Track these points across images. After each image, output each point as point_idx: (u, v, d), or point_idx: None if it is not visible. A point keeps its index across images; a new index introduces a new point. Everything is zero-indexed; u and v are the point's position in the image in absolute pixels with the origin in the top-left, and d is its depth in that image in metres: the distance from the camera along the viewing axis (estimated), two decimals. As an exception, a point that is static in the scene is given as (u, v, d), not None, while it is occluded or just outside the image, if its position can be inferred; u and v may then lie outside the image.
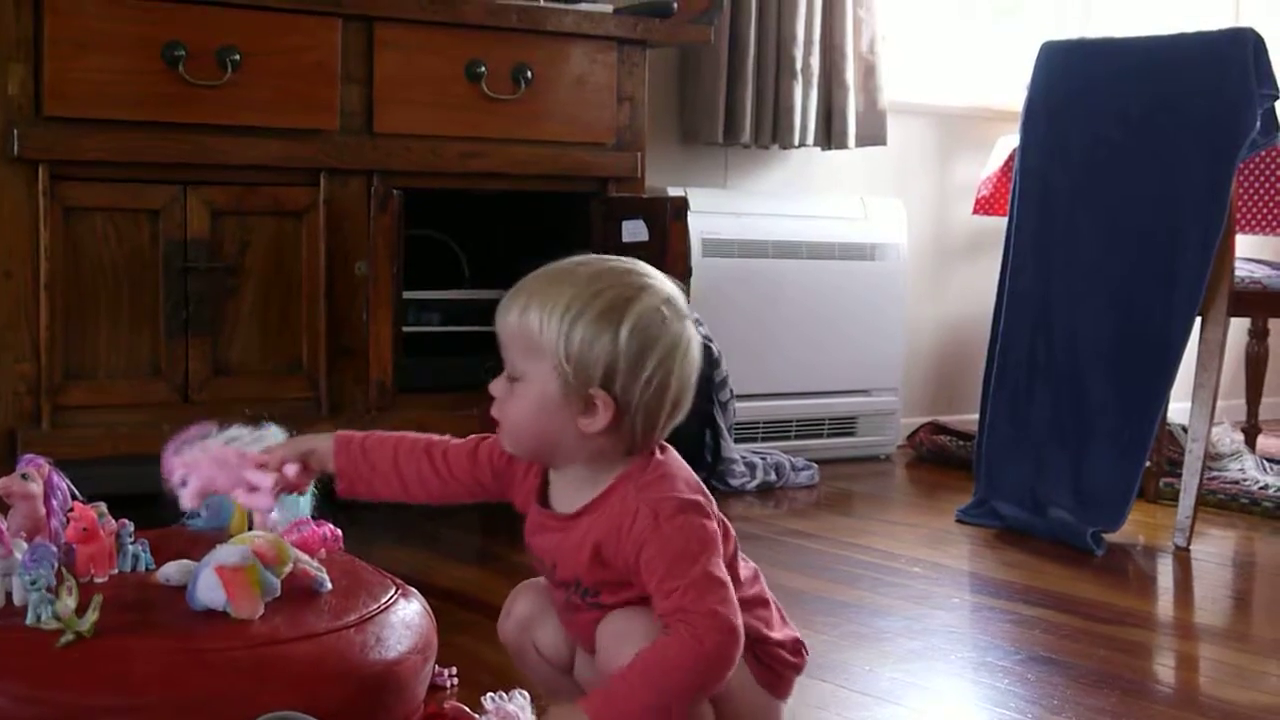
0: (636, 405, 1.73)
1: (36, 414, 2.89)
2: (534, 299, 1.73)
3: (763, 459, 4.17)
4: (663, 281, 1.78)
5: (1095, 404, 3.61)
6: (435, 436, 1.94)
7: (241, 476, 1.90)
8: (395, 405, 3.17)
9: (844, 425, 4.60)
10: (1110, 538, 3.50)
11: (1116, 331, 3.59)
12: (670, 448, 1.84)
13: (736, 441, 4.20)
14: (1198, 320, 3.52)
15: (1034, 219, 3.77)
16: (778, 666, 1.89)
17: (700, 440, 4.01)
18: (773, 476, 4.14)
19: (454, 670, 2.34)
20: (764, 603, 1.89)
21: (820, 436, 4.55)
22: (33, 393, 2.89)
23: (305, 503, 2.22)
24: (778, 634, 1.89)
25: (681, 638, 1.67)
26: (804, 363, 4.46)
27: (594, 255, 1.80)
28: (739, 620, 1.69)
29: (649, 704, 1.66)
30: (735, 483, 4.05)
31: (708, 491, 1.81)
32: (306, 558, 1.95)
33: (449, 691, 2.30)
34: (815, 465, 4.27)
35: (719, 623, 1.67)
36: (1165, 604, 3.10)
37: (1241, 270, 3.61)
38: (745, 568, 1.89)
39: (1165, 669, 2.58)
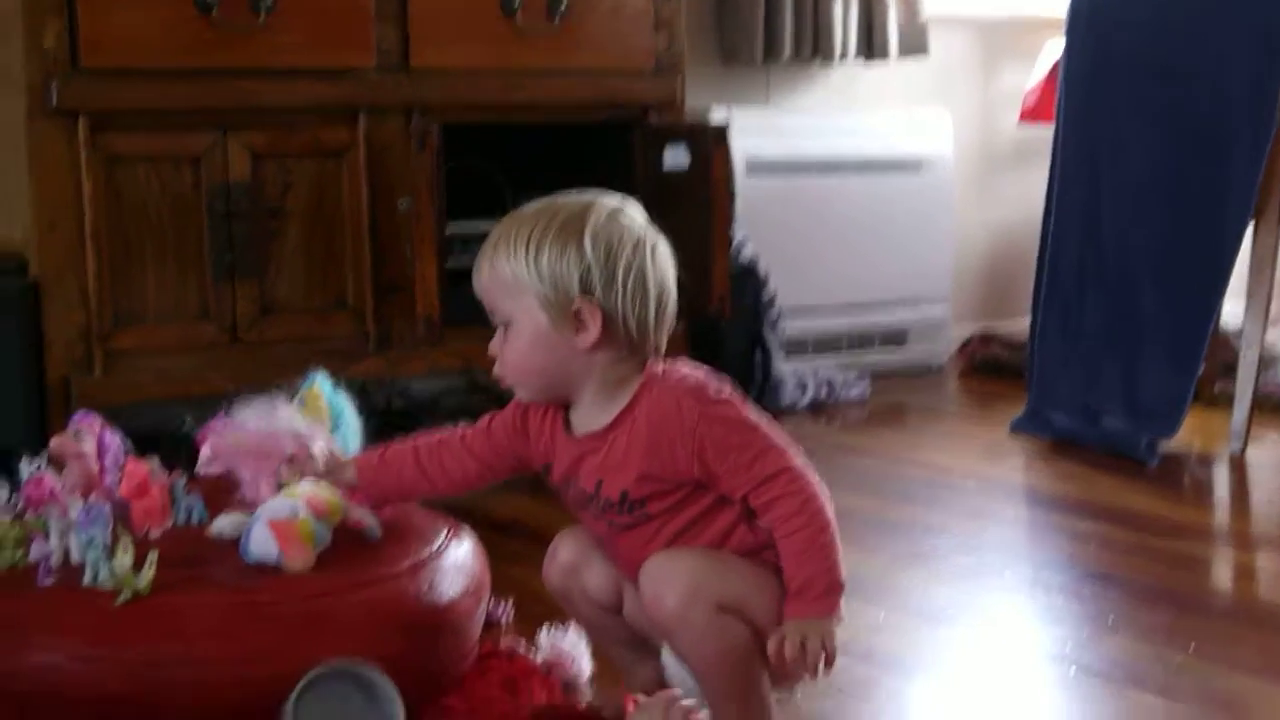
0: (623, 307, 1.75)
1: (89, 361, 2.92)
2: (498, 245, 1.78)
3: (813, 375, 4.17)
4: (612, 195, 1.82)
5: (1147, 312, 3.58)
6: (449, 430, 1.96)
7: (257, 467, 1.91)
8: (442, 339, 3.17)
9: (895, 337, 4.58)
10: (1164, 446, 3.48)
11: (1167, 239, 3.56)
12: (680, 358, 1.86)
13: (787, 358, 4.20)
14: (1250, 225, 3.48)
15: (1081, 127, 3.72)
16: None
17: (750, 359, 4.01)
18: (823, 393, 4.14)
19: (509, 604, 2.37)
20: None
21: (871, 350, 4.54)
22: (84, 340, 2.91)
23: (354, 437, 2.24)
24: None
25: (794, 503, 1.74)
26: (853, 277, 4.44)
27: (545, 197, 1.83)
28: (811, 478, 1.76)
29: (829, 564, 1.75)
30: (786, 401, 4.05)
31: (731, 383, 1.82)
32: (358, 507, 1.96)
33: (504, 625, 2.32)
34: (866, 379, 4.26)
35: (804, 474, 1.75)
36: (1221, 514, 3.10)
37: (1295, 173, 3.56)
38: None
39: (1222, 582, 2.59)
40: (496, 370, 1.83)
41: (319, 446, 1.91)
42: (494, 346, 1.82)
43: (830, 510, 1.76)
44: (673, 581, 1.76)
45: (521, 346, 1.79)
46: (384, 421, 3.79)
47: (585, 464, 1.83)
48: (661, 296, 1.79)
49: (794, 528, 1.74)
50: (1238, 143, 3.44)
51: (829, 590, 1.74)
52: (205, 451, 1.93)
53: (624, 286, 1.75)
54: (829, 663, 1.74)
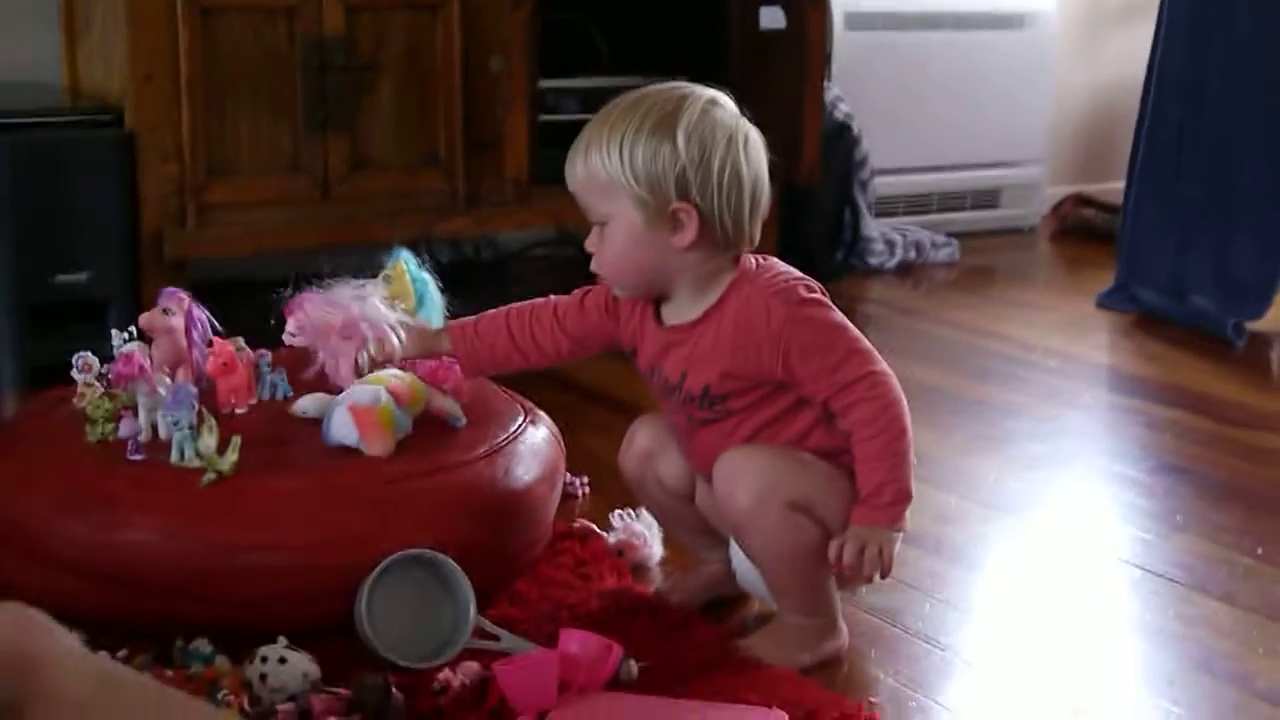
0: (718, 206, 1.77)
1: (181, 214, 2.96)
2: (590, 145, 1.79)
3: (902, 236, 4.15)
4: (704, 89, 1.82)
5: (1243, 190, 3.53)
6: (541, 300, 1.98)
7: (337, 347, 1.93)
8: (531, 197, 3.19)
9: (987, 198, 4.55)
10: (1252, 326, 3.46)
11: (1270, 116, 3.49)
12: (771, 257, 1.88)
13: (877, 217, 4.18)
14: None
15: (1187, -6, 3.65)
16: None
17: (839, 218, 4.01)
18: (912, 254, 4.13)
19: (585, 479, 2.41)
20: None
21: (963, 210, 4.51)
22: (178, 193, 2.95)
23: (438, 316, 2.27)
24: None
25: (873, 408, 1.77)
26: (948, 136, 4.40)
27: (637, 90, 1.83)
28: (892, 380, 1.79)
29: (900, 473, 1.79)
30: (874, 261, 4.05)
31: (821, 285, 1.84)
32: (441, 395, 2.00)
33: (580, 500, 2.37)
34: (955, 241, 4.25)
35: (886, 380, 1.78)
36: (1304, 403, 3.08)
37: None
38: None
39: (1296, 478, 2.58)
40: (594, 266, 1.85)
41: (396, 339, 1.94)
42: (591, 243, 1.84)
43: (908, 419, 1.79)
44: (746, 478, 1.79)
45: (618, 245, 1.81)
46: (473, 271, 3.84)
47: (671, 355, 1.86)
48: (756, 190, 1.81)
49: (871, 433, 1.77)
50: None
51: (896, 499, 1.78)
52: (291, 324, 1.96)
53: (719, 185, 1.77)
54: (885, 572, 1.78)
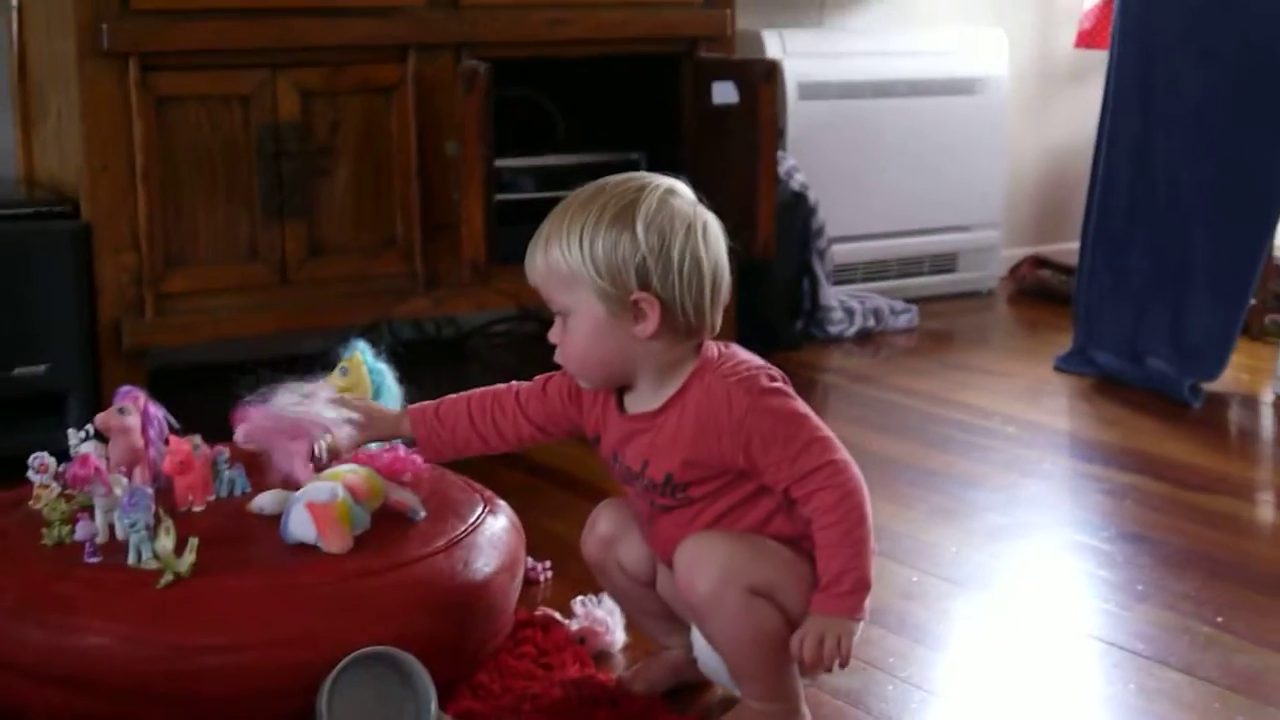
0: (679, 294, 1.78)
1: (140, 303, 2.96)
2: (550, 238, 1.79)
3: (861, 303, 4.17)
4: (660, 178, 1.83)
5: (1195, 252, 3.56)
6: (503, 386, 1.98)
7: (288, 448, 1.94)
8: (490, 277, 3.20)
9: (945, 262, 4.58)
10: (1209, 386, 3.49)
11: (1218, 178, 3.53)
12: (734, 344, 1.89)
13: (836, 284, 4.21)
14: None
15: (1134, 60, 3.68)
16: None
17: (798, 288, 4.03)
18: (871, 322, 4.15)
19: (548, 564, 2.41)
20: None
21: (921, 275, 4.54)
22: (135, 283, 2.95)
23: (395, 405, 2.27)
24: None
25: (833, 495, 1.77)
26: (904, 202, 4.43)
27: (594, 181, 1.84)
28: (854, 469, 1.79)
29: (860, 560, 1.78)
30: (834, 330, 4.07)
31: (783, 373, 1.85)
32: (399, 488, 2.00)
33: (543, 586, 2.37)
34: (914, 308, 4.27)
35: (847, 468, 1.78)
36: (1259, 466, 3.10)
37: (1349, 112, 3.52)
38: None
39: (1255, 544, 2.59)
40: (557, 358, 1.86)
41: (345, 434, 1.95)
42: (553, 334, 1.85)
43: (868, 506, 1.79)
44: (706, 564, 1.80)
45: (581, 338, 1.81)
46: (434, 348, 3.85)
47: (633, 443, 1.87)
48: (716, 278, 1.82)
49: (831, 520, 1.78)
50: (1293, 79, 3.41)
51: (855, 588, 1.78)
52: (239, 434, 1.97)
53: (680, 273, 1.78)
54: (844, 663, 1.79)
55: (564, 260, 1.78)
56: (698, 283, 1.79)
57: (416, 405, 2.01)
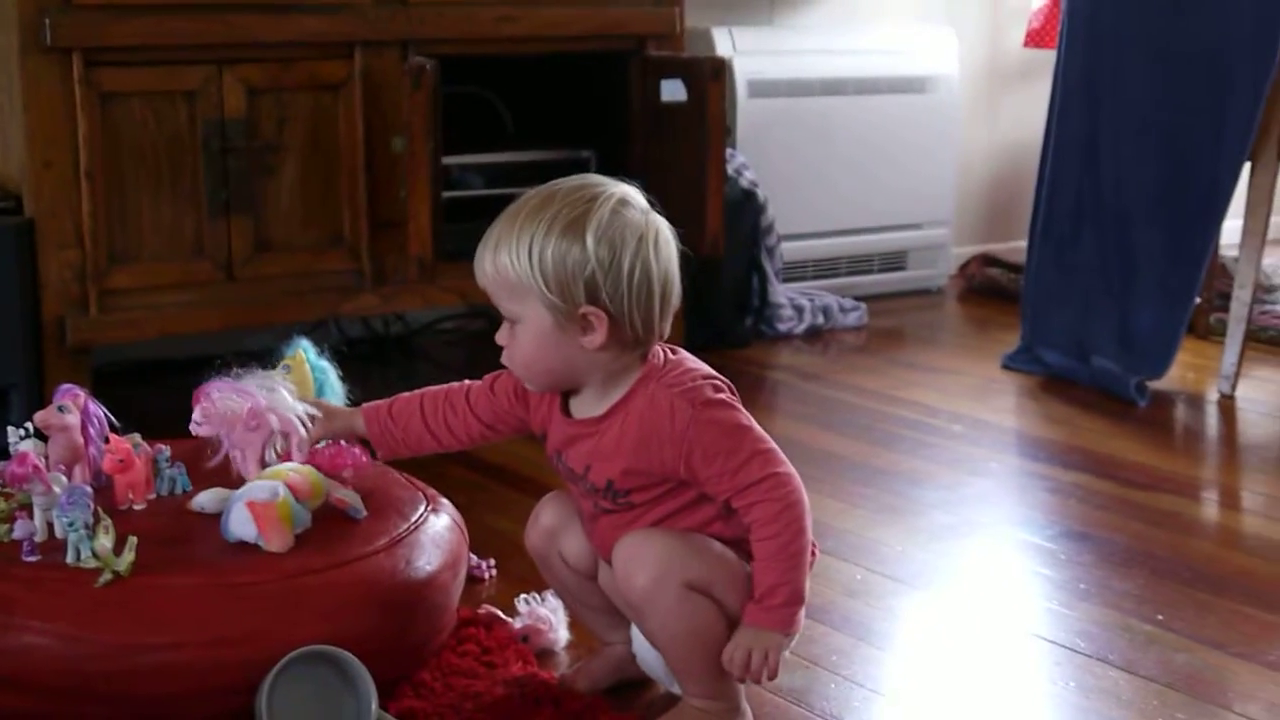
0: (628, 307, 1.78)
1: (84, 300, 2.94)
2: (500, 244, 1.78)
3: (810, 301, 4.18)
4: (614, 185, 1.82)
5: (1142, 250, 3.58)
6: (455, 385, 1.99)
7: (243, 439, 1.95)
8: (437, 274, 3.19)
9: (895, 260, 4.59)
10: (1155, 384, 3.51)
11: (1164, 176, 3.55)
12: (681, 349, 1.89)
13: (785, 281, 4.21)
14: (1247, 165, 3.48)
15: (1081, 58, 3.70)
16: None
17: (747, 285, 4.03)
18: (820, 319, 4.16)
19: (492, 562, 2.41)
20: None
21: (870, 273, 4.55)
22: (79, 279, 2.93)
23: (336, 391, 2.26)
24: None
25: (774, 508, 1.77)
26: (853, 200, 4.44)
27: (547, 184, 1.83)
28: (796, 482, 1.79)
29: (795, 574, 1.78)
30: (783, 327, 4.08)
31: (729, 383, 1.85)
32: (341, 488, 1.99)
33: (487, 583, 2.37)
34: (863, 305, 4.28)
35: (789, 480, 1.78)
36: (1203, 464, 3.12)
37: (1294, 112, 3.55)
38: None
39: (1196, 543, 2.61)
40: (504, 360, 1.86)
41: (305, 430, 1.95)
42: (501, 336, 1.85)
43: (808, 520, 1.79)
44: (644, 559, 1.80)
45: (528, 345, 1.81)
46: (381, 345, 3.84)
47: (576, 447, 1.87)
48: (666, 288, 1.81)
49: (769, 533, 1.78)
50: (1238, 80, 3.42)
51: (789, 602, 1.78)
52: (197, 413, 1.96)
53: (629, 287, 1.77)
54: (771, 676, 1.79)
55: (513, 269, 1.77)
56: (647, 294, 1.79)
57: (370, 404, 2.01)
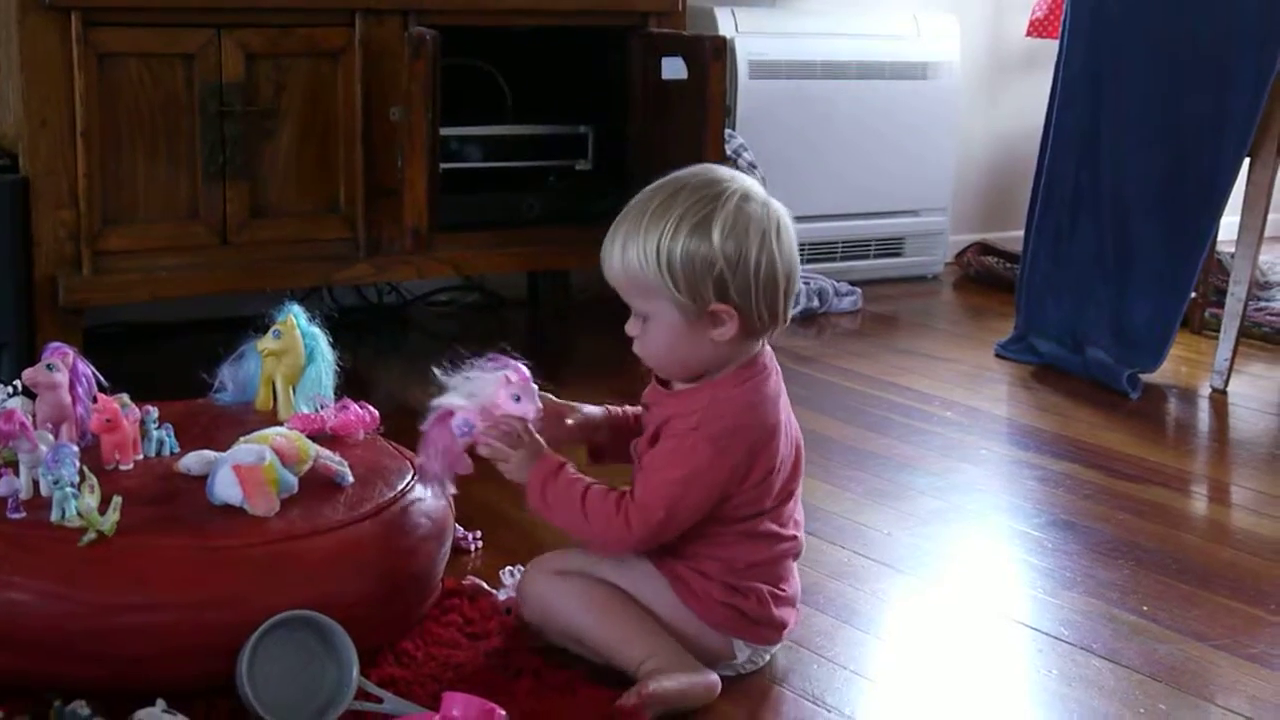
0: (755, 301, 1.83)
1: (77, 260, 2.93)
2: (628, 243, 1.83)
3: (806, 284, 4.17)
4: (734, 177, 1.86)
5: (1139, 243, 3.58)
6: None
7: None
8: (432, 245, 3.18)
9: (891, 246, 4.59)
10: (1148, 377, 3.50)
11: (1164, 170, 3.55)
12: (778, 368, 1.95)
13: (781, 264, 4.20)
14: (1246, 160, 3.47)
15: (1083, 50, 3.69)
16: (729, 623, 1.96)
17: (743, 267, 4.02)
18: (815, 303, 4.15)
19: (479, 533, 2.41)
20: (774, 575, 1.98)
21: (866, 258, 4.55)
22: (73, 239, 2.92)
23: (328, 370, 2.26)
24: (764, 610, 1.97)
25: (611, 508, 1.85)
26: (852, 184, 4.44)
27: (670, 177, 1.87)
28: (642, 539, 1.86)
29: (561, 521, 1.90)
30: (777, 309, 4.06)
31: (767, 423, 1.88)
32: (328, 453, 1.99)
33: (473, 555, 2.36)
34: (859, 290, 4.27)
35: (635, 529, 1.85)
36: (1193, 458, 3.11)
37: (1296, 108, 3.54)
38: (793, 516, 2.00)
39: (1182, 535, 2.60)
40: (636, 349, 1.90)
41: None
42: (632, 329, 1.89)
43: (593, 543, 1.91)
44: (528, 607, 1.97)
45: (660, 340, 1.87)
46: (375, 315, 3.84)
47: (652, 411, 1.96)
48: (790, 277, 1.87)
49: (598, 506, 1.86)
50: (1240, 75, 3.42)
51: (540, 500, 1.89)
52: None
53: (756, 281, 1.82)
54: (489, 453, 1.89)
55: (642, 270, 1.81)
56: (773, 287, 1.84)
57: (616, 410, 2.05)
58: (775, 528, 1.94)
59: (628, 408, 2.05)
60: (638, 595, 1.92)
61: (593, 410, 2.04)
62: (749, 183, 1.86)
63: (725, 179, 1.85)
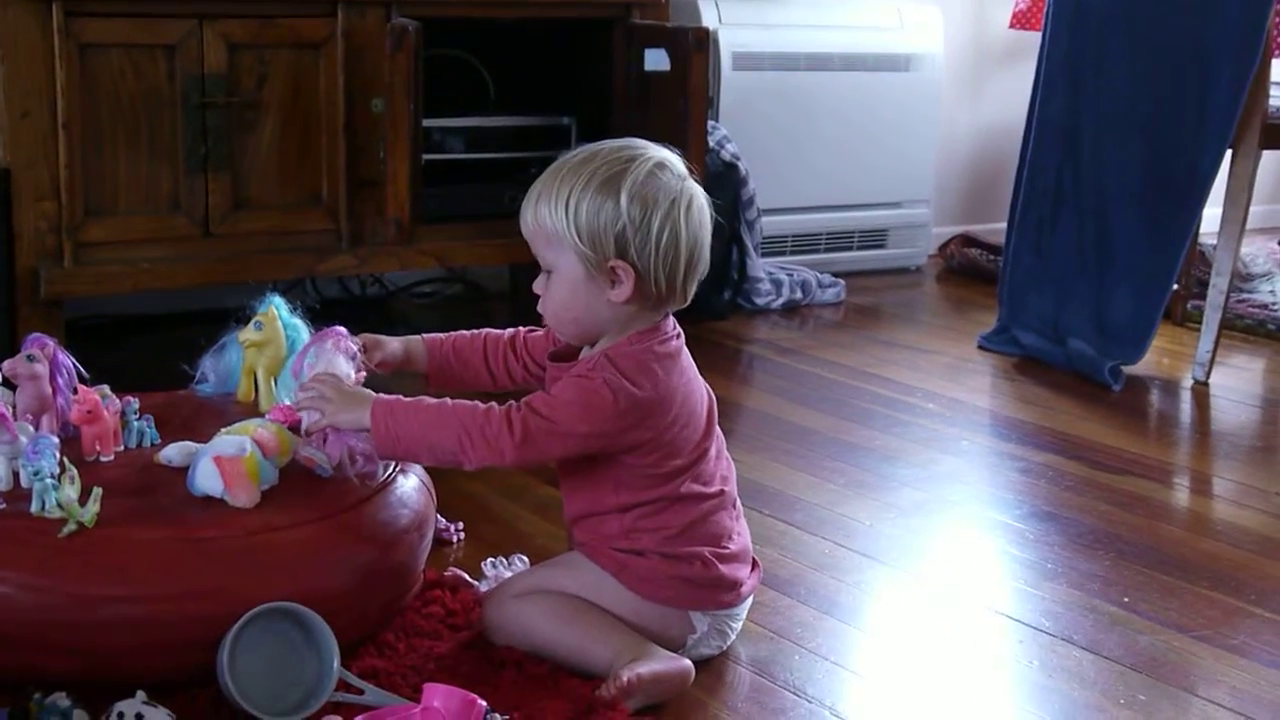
0: (654, 266, 1.87)
1: (59, 251, 2.92)
2: (540, 197, 1.89)
3: (789, 276, 4.18)
4: (655, 149, 1.92)
5: (1121, 236, 3.59)
6: (512, 329, 2.11)
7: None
8: (414, 237, 3.18)
9: (875, 238, 4.59)
10: (1130, 369, 3.51)
11: (1145, 163, 3.55)
12: (681, 333, 1.97)
13: (765, 255, 4.21)
14: (1228, 153, 3.48)
15: (1065, 42, 3.70)
16: (679, 595, 1.96)
17: (726, 258, 4.02)
18: (798, 294, 4.15)
19: (460, 525, 2.41)
20: (710, 535, 1.98)
21: (850, 250, 4.55)
22: (54, 230, 2.91)
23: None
24: (710, 571, 1.97)
25: (481, 411, 1.86)
26: (835, 176, 4.44)
27: (591, 144, 1.93)
28: (523, 438, 1.85)
29: (418, 439, 1.88)
30: (761, 301, 4.07)
31: (659, 378, 1.90)
32: (308, 445, 1.98)
33: (455, 546, 2.36)
34: (842, 282, 4.28)
35: (516, 426, 1.85)
36: (1174, 449, 3.12)
37: (1277, 101, 3.54)
38: (717, 472, 1.99)
39: (1163, 527, 2.61)
40: (539, 308, 1.95)
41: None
42: (538, 286, 1.94)
43: (467, 449, 1.86)
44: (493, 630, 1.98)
45: (561, 293, 1.91)
46: (358, 306, 3.83)
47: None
48: (694, 254, 1.90)
49: (473, 410, 1.87)
50: (1221, 68, 3.42)
51: (382, 440, 1.90)
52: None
53: (657, 246, 1.86)
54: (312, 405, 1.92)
55: (550, 220, 1.87)
56: (673, 256, 1.87)
57: (430, 335, 2.11)
58: (698, 487, 1.95)
59: (464, 332, 2.11)
60: (595, 598, 1.93)
61: (395, 345, 2.09)
62: (668, 155, 1.91)
63: (643, 148, 1.91)
